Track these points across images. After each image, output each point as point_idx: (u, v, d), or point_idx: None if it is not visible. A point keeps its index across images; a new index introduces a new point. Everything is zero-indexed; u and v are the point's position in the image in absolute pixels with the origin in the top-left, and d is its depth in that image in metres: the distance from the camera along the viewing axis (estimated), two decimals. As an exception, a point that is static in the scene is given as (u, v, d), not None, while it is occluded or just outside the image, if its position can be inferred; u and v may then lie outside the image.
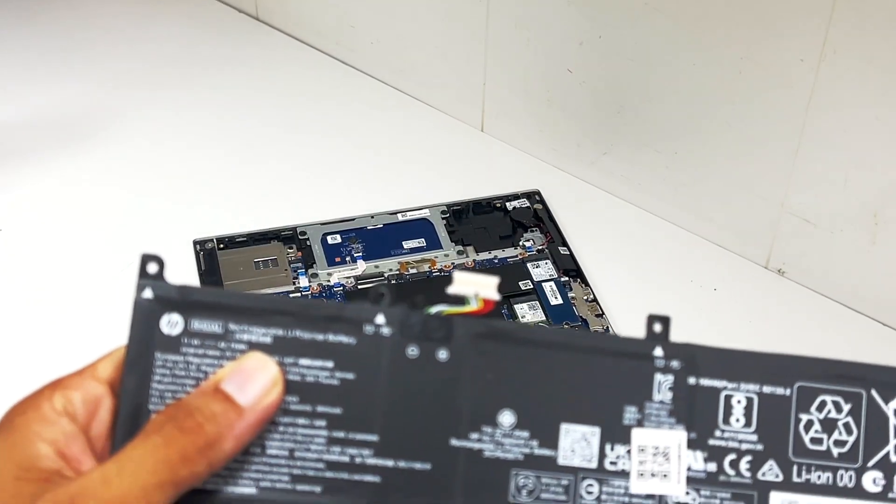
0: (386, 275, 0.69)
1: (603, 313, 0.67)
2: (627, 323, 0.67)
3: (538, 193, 0.75)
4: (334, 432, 0.37)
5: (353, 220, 0.73)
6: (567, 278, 0.69)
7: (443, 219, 0.73)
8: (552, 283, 0.68)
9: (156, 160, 0.80)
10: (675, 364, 0.38)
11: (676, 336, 0.38)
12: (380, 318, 0.37)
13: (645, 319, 0.38)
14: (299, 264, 0.70)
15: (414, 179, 0.78)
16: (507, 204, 0.74)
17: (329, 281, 0.69)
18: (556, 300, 0.67)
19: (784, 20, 0.62)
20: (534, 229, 0.73)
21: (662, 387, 0.38)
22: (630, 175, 0.75)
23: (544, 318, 0.66)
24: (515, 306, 0.67)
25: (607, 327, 0.66)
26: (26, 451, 0.35)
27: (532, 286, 0.68)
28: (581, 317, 0.66)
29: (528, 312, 0.66)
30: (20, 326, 0.67)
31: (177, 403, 0.36)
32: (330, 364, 0.37)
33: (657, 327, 0.38)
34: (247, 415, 0.35)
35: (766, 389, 0.38)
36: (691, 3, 0.65)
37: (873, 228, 0.64)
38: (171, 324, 0.37)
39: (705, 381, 0.38)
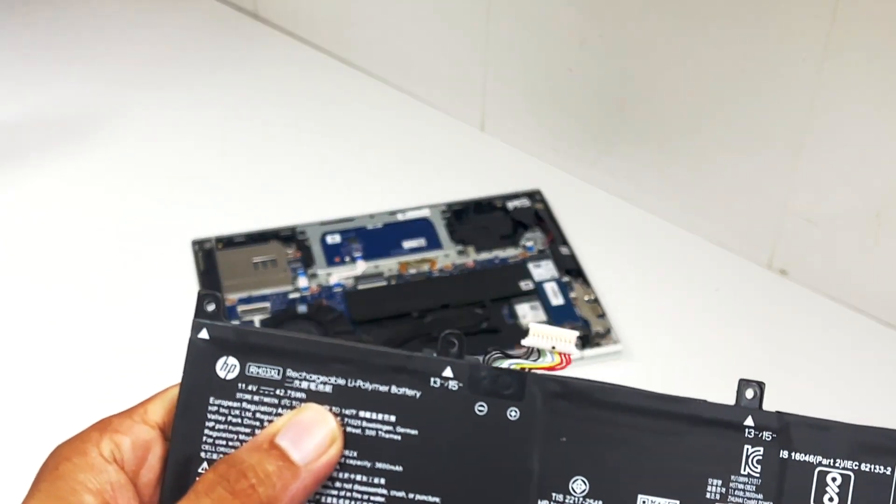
0: (386, 275, 0.69)
1: (604, 314, 0.66)
2: (628, 323, 0.67)
3: (539, 193, 0.75)
4: (394, 491, 0.35)
5: (353, 219, 0.73)
6: (568, 278, 0.69)
7: (443, 219, 0.73)
8: (553, 284, 0.68)
9: (155, 160, 0.79)
10: (766, 435, 0.35)
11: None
12: (447, 372, 0.35)
13: (737, 383, 0.35)
14: (298, 264, 0.70)
15: (414, 179, 0.78)
16: (508, 204, 0.74)
17: (328, 281, 0.68)
18: (557, 300, 0.67)
19: (786, 19, 0.62)
20: (535, 229, 0.72)
21: (751, 459, 0.35)
22: (631, 175, 0.75)
23: (545, 318, 0.66)
24: (516, 306, 0.66)
25: (609, 328, 0.65)
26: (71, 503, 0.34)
27: (533, 286, 0.68)
28: (582, 317, 0.66)
29: (528, 312, 0.66)
30: (20, 326, 0.67)
31: (229, 459, 0.34)
32: (392, 418, 0.35)
33: (749, 393, 0.35)
34: (302, 475, 0.34)
35: (865, 467, 0.35)
36: (692, 2, 0.65)
37: (876, 228, 0.64)
38: (227, 367, 0.36)
39: (798, 456, 0.35)
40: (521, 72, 0.77)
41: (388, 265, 0.70)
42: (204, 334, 0.36)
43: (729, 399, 0.36)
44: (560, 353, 0.35)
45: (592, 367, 0.64)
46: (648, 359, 0.65)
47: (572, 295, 0.67)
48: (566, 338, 0.35)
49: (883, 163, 0.62)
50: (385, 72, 0.86)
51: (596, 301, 0.67)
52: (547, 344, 0.35)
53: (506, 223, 0.73)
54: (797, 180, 0.66)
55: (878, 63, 0.59)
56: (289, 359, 0.35)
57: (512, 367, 0.36)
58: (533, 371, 0.36)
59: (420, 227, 0.72)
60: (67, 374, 0.64)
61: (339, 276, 0.69)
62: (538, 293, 0.67)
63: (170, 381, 0.65)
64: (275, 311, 0.66)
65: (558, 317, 0.66)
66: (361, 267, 0.69)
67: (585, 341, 0.65)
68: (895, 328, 0.67)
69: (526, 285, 0.68)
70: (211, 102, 0.85)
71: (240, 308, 0.66)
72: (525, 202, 0.74)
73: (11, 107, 0.84)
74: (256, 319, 0.65)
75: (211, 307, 0.36)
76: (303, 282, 0.68)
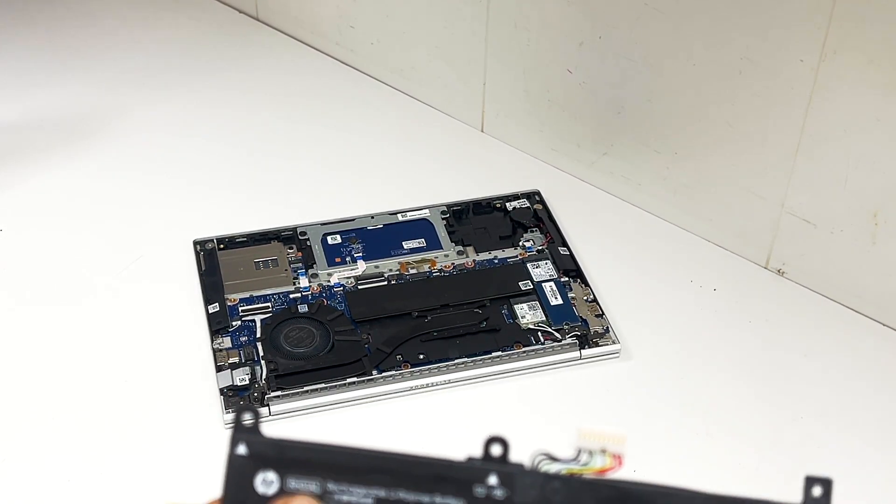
0: (386, 275, 0.69)
1: (603, 313, 0.67)
2: (628, 322, 0.67)
3: (538, 194, 0.75)
4: None
5: (353, 220, 0.73)
6: (567, 278, 0.69)
7: (443, 219, 0.73)
8: (552, 284, 0.68)
9: (156, 160, 0.80)
10: None
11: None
12: (492, 479, 0.34)
13: (803, 482, 0.33)
14: (299, 264, 0.70)
15: (414, 179, 0.78)
16: (507, 204, 0.74)
17: (329, 281, 0.69)
18: (556, 300, 0.67)
19: (784, 20, 0.62)
20: (534, 229, 0.73)
21: None
22: (630, 175, 0.75)
23: (544, 318, 0.66)
24: (515, 306, 0.67)
25: (607, 328, 0.66)
26: None
27: (532, 286, 0.68)
28: (581, 317, 0.66)
29: (528, 312, 0.66)
30: (20, 326, 0.67)
31: None
32: None
33: (816, 490, 0.33)
34: None
35: None
36: (691, 3, 0.65)
37: (873, 228, 0.65)
38: (267, 483, 0.35)
39: None
40: (520, 73, 0.77)
41: (389, 265, 0.70)
42: (242, 449, 0.35)
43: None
44: (611, 455, 0.33)
45: (591, 367, 0.65)
46: (647, 358, 0.65)
47: (571, 295, 0.68)
48: (617, 437, 0.33)
49: (880, 163, 0.63)
50: (385, 73, 0.86)
51: (594, 301, 0.68)
52: (596, 445, 0.33)
53: (505, 224, 0.73)
54: (795, 180, 0.67)
55: (876, 63, 0.60)
56: (328, 471, 0.34)
57: (561, 472, 0.34)
58: (583, 476, 0.34)
59: (420, 228, 0.73)
60: (68, 373, 0.64)
61: (340, 276, 0.69)
62: (537, 293, 0.68)
63: (171, 385, 0.65)
64: (276, 310, 0.66)
65: (557, 316, 0.66)
66: (362, 267, 0.70)
67: (584, 341, 0.65)
68: (892, 328, 0.67)
69: (525, 285, 0.68)
70: (212, 104, 0.85)
71: (241, 308, 0.67)
72: (524, 203, 0.75)
73: (14, 108, 0.84)
74: (258, 319, 0.66)
75: (249, 420, 0.35)
76: (304, 282, 0.69)
